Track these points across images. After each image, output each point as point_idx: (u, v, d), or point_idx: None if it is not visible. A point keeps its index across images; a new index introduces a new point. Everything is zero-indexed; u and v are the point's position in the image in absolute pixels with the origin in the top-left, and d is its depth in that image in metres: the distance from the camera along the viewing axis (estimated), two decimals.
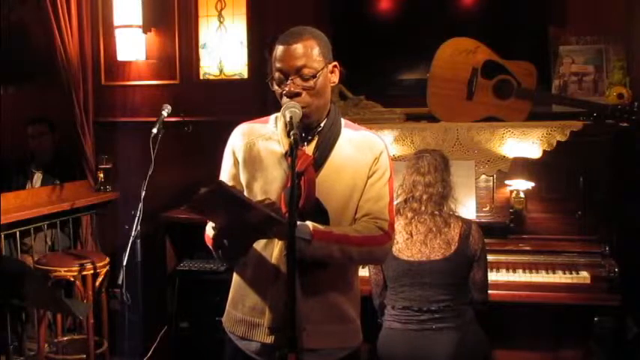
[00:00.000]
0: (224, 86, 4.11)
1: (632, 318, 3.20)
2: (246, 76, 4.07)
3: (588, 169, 3.18)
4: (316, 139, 1.87)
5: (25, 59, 4.53)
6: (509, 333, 3.11)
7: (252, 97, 3.89)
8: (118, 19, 4.13)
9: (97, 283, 3.55)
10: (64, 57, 4.00)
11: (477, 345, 2.66)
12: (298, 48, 1.79)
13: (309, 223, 1.75)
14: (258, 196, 1.84)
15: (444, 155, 2.82)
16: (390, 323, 2.70)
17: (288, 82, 1.80)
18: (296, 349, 1.55)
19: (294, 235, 1.58)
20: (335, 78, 1.89)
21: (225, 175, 1.95)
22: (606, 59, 3.44)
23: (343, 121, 1.94)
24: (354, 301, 1.95)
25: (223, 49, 4.08)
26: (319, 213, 1.81)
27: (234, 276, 1.97)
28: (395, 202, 1.99)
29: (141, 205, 2.96)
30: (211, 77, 4.14)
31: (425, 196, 2.69)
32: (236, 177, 1.93)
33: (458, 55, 3.33)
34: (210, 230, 1.87)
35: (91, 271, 3.48)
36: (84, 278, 3.46)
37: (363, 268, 2.80)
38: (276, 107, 1.86)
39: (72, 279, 3.43)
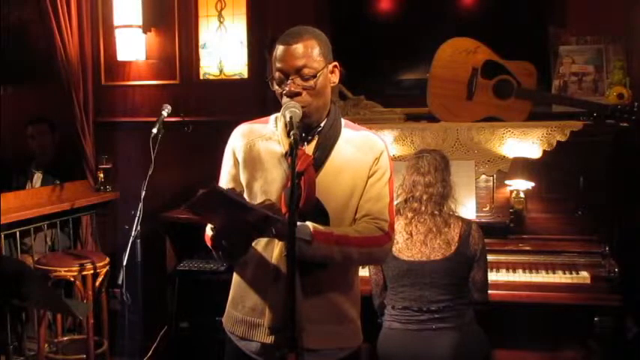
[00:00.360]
0: (224, 86, 4.11)
1: (632, 318, 3.20)
2: (246, 76, 4.07)
3: (588, 169, 3.18)
4: (316, 139, 1.87)
5: (25, 59, 4.52)
6: (509, 333, 3.11)
7: (252, 97, 3.89)
8: (118, 19, 4.13)
9: (97, 283, 3.55)
10: (64, 57, 4.00)
11: (477, 345, 2.66)
12: (299, 48, 1.79)
13: (310, 224, 1.75)
14: (259, 196, 1.84)
15: (444, 155, 2.82)
16: (390, 323, 2.70)
17: (289, 81, 1.80)
18: (296, 349, 1.56)
19: (294, 235, 1.58)
20: (335, 78, 1.89)
21: (226, 176, 1.95)
22: (606, 59, 3.44)
23: (343, 121, 1.94)
24: (354, 301, 1.95)
25: (223, 49, 4.08)
26: (319, 213, 1.81)
27: (235, 276, 1.97)
28: (395, 203, 1.99)
29: (141, 205, 2.96)
30: (211, 77, 4.14)
31: (425, 196, 2.69)
32: (236, 177, 1.93)
33: (458, 55, 3.33)
34: (209, 230, 1.87)
35: (91, 271, 3.48)
36: (84, 278, 3.46)
37: (363, 268, 2.80)
38: (276, 107, 1.86)
39: (72, 279, 3.43)
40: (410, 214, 2.71)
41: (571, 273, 3.00)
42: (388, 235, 1.86)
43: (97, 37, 4.25)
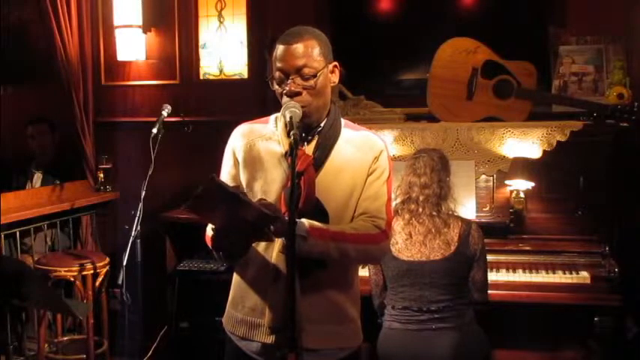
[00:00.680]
0: (224, 86, 4.11)
1: (632, 318, 3.20)
2: (246, 76, 4.07)
3: (588, 169, 3.18)
4: (316, 139, 1.87)
5: (25, 59, 4.52)
6: (509, 333, 3.11)
7: (252, 97, 3.89)
8: (118, 19, 4.13)
9: (97, 283, 3.55)
10: (64, 57, 4.00)
11: (477, 345, 2.66)
12: (299, 48, 1.80)
13: (305, 221, 1.75)
14: (259, 196, 1.84)
15: (442, 155, 2.81)
16: (390, 323, 2.70)
17: (289, 81, 1.80)
18: (296, 349, 1.56)
19: (294, 235, 1.58)
20: (335, 78, 1.89)
21: (226, 176, 1.95)
22: (606, 59, 3.44)
23: (343, 121, 1.94)
24: (354, 301, 1.95)
25: (223, 49, 4.08)
26: (319, 213, 1.81)
27: (235, 276, 1.97)
28: (393, 204, 1.99)
29: (141, 205, 2.96)
30: (211, 77, 4.14)
31: (421, 198, 2.69)
32: (236, 177, 1.93)
33: (458, 55, 3.33)
34: (210, 231, 1.87)
35: (91, 271, 3.48)
36: (84, 278, 3.46)
37: (362, 268, 2.80)
38: (276, 107, 1.86)
39: (72, 279, 3.43)
40: (407, 216, 2.71)
41: (571, 273, 3.00)
42: (385, 233, 1.86)
43: (97, 37, 4.25)
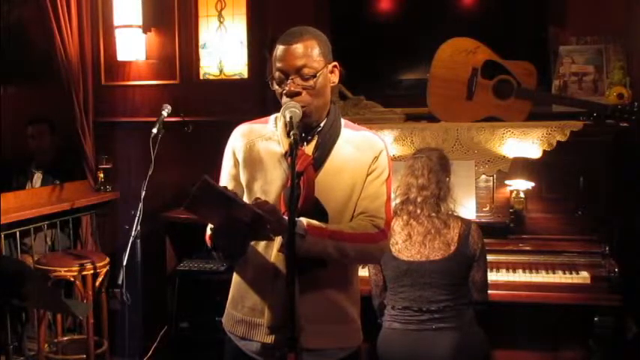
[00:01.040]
0: (224, 86, 4.11)
1: (632, 318, 3.20)
2: (246, 76, 4.07)
3: (588, 169, 3.18)
4: (316, 139, 1.87)
5: (25, 59, 4.53)
6: (509, 333, 3.11)
7: (252, 97, 3.89)
8: (118, 19, 4.13)
9: (97, 283, 3.55)
10: (64, 57, 4.00)
11: (477, 345, 2.66)
12: (299, 48, 1.80)
13: (304, 219, 1.75)
14: (258, 196, 1.84)
15: (442, 155, 2.81)
16: (390, 323, 2.70)
17: (289, 81, 1.80)
18: (296, 349, 1.56)
19: (293, 235, 1.58)
20: (335, 78, 1.89)
21: (226, 176, 1.96)
22: (606, 59, 3.44)
23: (343, 121, 1.94)
24: (354, 300, 1.95)
25: (223, 49, 4.08)
26: (319, 213, 1.81)
27: (234, 276, 1.97)
28: (393, 204, 1.99)
29: (141, 205, 2.96)
30: (211, 77, 4.13)
31: (420, 199, 2.68)
32: (236, 177, 1.93)
33: (458, 55, 3.33)
34: (210, 231, 1.87)
35: (91, 271, 3.48)
36: (84, 278, 3.46)
37: (362, 268, 2.80)
38: (276, 107, 1.86)
39: (72, 279, 3.43)
40: (406, 217, 2.71)
41: (571, 273, 3.00)
42: (384, 233, 1.86)
43: (97, 37, 4.25)
